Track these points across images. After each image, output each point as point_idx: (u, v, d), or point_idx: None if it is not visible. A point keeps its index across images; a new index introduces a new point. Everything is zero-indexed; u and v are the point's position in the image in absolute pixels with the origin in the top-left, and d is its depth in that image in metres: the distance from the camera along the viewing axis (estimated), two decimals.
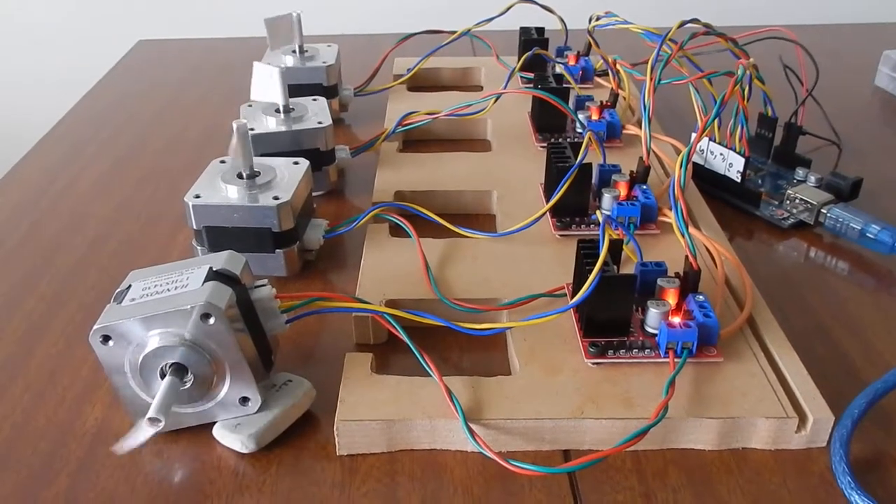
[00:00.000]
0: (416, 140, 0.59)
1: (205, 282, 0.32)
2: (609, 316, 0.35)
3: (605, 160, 0.48)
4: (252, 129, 0.48)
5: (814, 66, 0.54)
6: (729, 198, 0.51)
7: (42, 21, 1.29)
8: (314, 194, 0.47)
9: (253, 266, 0.35)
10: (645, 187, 0.45)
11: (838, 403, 0.33)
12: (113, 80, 0.78)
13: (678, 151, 0.52)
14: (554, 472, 0.31)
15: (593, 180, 0.46)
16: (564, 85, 0.56)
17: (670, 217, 0.42)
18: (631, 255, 0.40)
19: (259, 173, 0.42)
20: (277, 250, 0.42)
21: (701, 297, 0.36)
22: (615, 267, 0.36)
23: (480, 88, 0.69)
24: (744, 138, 0.48)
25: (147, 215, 0.52)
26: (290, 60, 0.60)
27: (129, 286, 0.33)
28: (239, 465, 0.33)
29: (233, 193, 0.41)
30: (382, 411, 0.33)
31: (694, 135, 0.42)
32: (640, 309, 0.37)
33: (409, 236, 0.44)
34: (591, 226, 0.45)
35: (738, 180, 0.49)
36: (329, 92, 0.60)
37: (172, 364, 0.31)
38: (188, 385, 0.32)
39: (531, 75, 0.59)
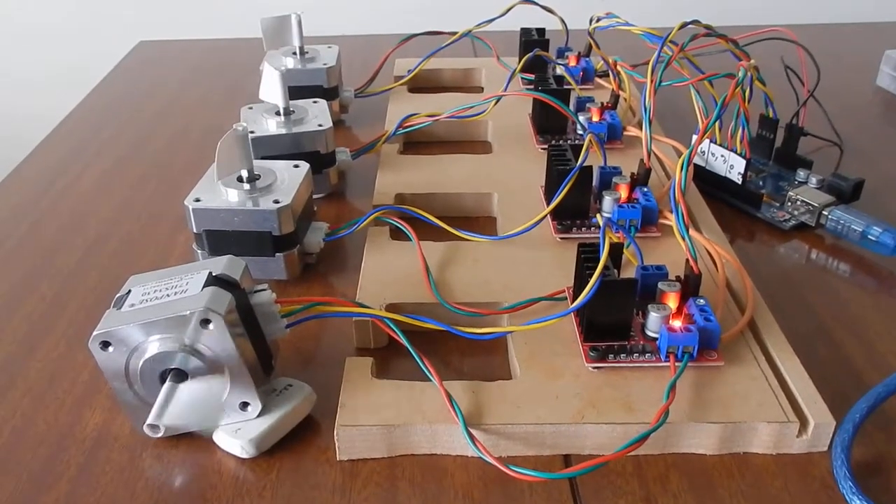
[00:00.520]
0: (417, 142, 0.59)
1: (204, 287, 0.32)
2: (610, 320, 0.35)
3: (605, 162, 0.48)
4: (252, 132, 0.48)
5: (815, 66, 0.54)
6: (730, 199, 0.51)
7: (42, 22, 1.28)
8: (314, 197, 0.47)
9: (253, 269, 0.35)
10: (646, 189, 0.45)
11: (840, 407, 0.33)
12: (114, 81, 0.78)
13: (679, 153, 0.52)
14: (555, 477, 0.31)
15: (594, 182, 0.46)
16: (565, 86, 0.56)
17: (671, 220, 0.42)
18: (631, 258, 0.40)
19: (259, 176, 0.42)
20: (278, 254, 0.42)
21: (702, 300, 0.36)
22: (616, 271, 0.36)
23: (481, 89, 0.69)
24: (745, 140, 0.48)
25: (147, 216, 0.52)
26: (290, 62, 0.60)
27: (129, 291, 0.33)
28: (239, 470, 0.32)
29: (233, 197, 0.41)
30: (383, 416, 0.33)
31: (695, 137, 0.42)
32: (640, 313, 0.36)
33: (410, 240, 0.44)
34: (592, 228, 0.45)
35: (739, 182, 0.49)
36: (329, 94, 0.60)
37: (172, 369, 0.31)
38: None
39: (532, 76, 0.59)
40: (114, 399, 0.36)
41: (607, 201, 0.45)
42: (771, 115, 0.53)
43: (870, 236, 0.45)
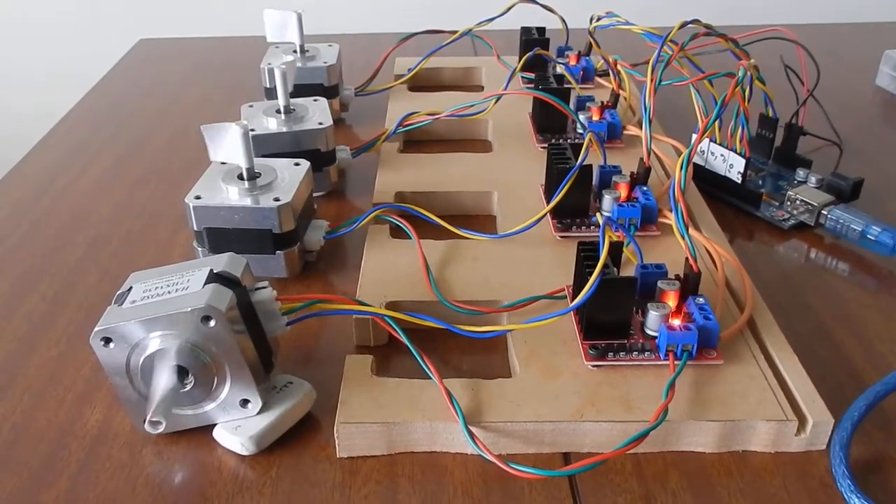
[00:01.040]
0: (417, 140, 0.59)
1: (205, 284, 0.32)
2: (609, 318, 0.35)
3: (605, 161, 0.48)
4: (253, 130, 0.48)
5: (815, 66, 0.54)
6: (729, 199, 0.51)
7: (42, 20, 1.29)
8: (315, 195, 0.47)
9: (253, 267, 0.35)
10: (645, 188, 0.45)
11: (839, 405, 0.33)
12: (114, 80, 0.78)
13: (679, 152, 0.52)
14: (554, 475, 0.31)
15: (594, 181, 0.46)
16: (565, 85, 0.56)
17: (671, 218, 0.42)
18: (631, 256, 0.40)
19: (260, 174, 0.42)
20: (278, 252, 0.42)
21: (701, 299, 0.36)
22: (615, 269, 0.36)
23: (481, 88, 0.69)
24: (744, 139, 0.48)
25: (148, 215, 0.52)
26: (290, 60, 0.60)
27: (130, 288, 0.33)
28: (239, 467, 0.33)
29: (233, 195, 0.41)
30: (382, 413, 0.33)
31: (694, 136, 0.42)
32: (640, 311, 0.37)
33: (410, 238, 0.44)
34: (592, 227, 0.45)
35: (739, 181, 0.49)
36: (330, 92, 0.60)
37: (173, 366, 0.31)
38: (189, 387, 0.32)
39: (532, 75, 0.59)
40: (114, 396, 0.36)
41: (607, 200, 0.45)
42: (770, 114, 0.53)
43: (869, 236, 0.45)
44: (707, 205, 0.48)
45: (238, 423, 0.33)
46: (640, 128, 0.45)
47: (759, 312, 0.38)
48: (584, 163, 0.44)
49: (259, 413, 0.33)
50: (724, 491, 0.31)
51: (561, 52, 0.68)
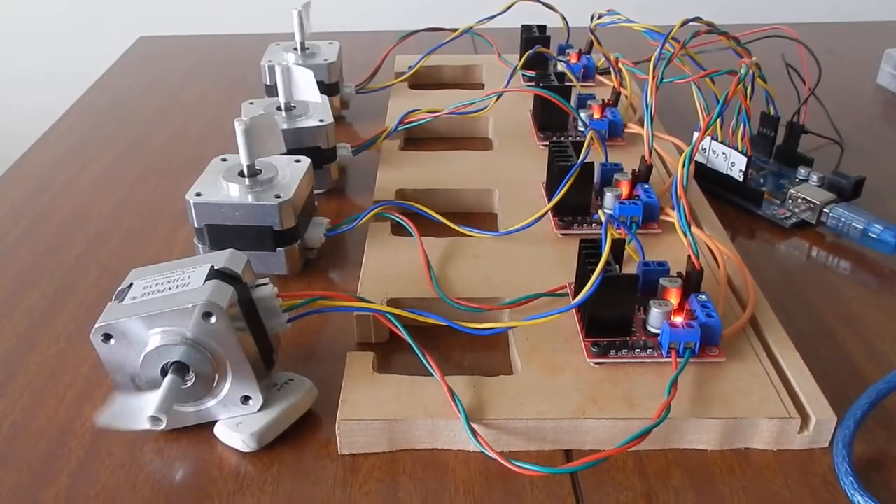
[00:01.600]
0: (418, 138, 0.59)
1: (206, 280, 0.32)
2: (611, 316, 0.35)
3: (606, 159, 0.48)
4: None
5: (816, 64, 0.54)
6: (731, 197, 0.51)
7: (42, 17, 1.28)
8: (315, 192, 0.47)
9: (254, 264, 0.35)
10: (647, 186, 0.45)
11: (841, 404, 0.33)
12: (114, 77, 0.77)
13: (680, 150, 0.52)
14: (556, 472, 0.31)
15: (595, 179, 0.46)
16: (566, 83, 0.56)
17: (672, 216, 0.42)
18: (633, 254, 0.40)
19: (260, 171, 0.42)
20: (279, 248, 0.42)
21: (703, 296, 0.36)
22: (617, 266, 0.36)
23: (482, 86, 0.69)
24: (746, 137, 0.48)
25: (148, 212, 0.52)
26: (291, 57, 0.60)
27: (131, 284, 0.33)
28: (240, 464, 0.32)
29: (234, 191, 0.41)
30: (384, 411, 0.33)
31: (696, 134, 0.42)
32: (642, 309, 0.36)
33: (411, 235, 0.43)
34: (593, 225, 0.45)
35: (741, 179, 0.49)
36: (330, 89, 0.59)
37: (174, 363, 0.31)
38: (189, 384, 0.32)
39: (533, 73, 0.58)
40: (114, 393, 0.36)
41: (608, 197, 0.45)
42: (772, 112, 0.53)
43: (871, 234, 0.45)
44: (709, 203, 0.48)
45: (239, 419, 0.33)
46: (641, 126, 0.45)
47: (761, 310, 0.38)
48: (586, 160, 0.44)
49: (260, 410, 0.33)
50: (727, 489, 0.31)
51: (562, 51, 0.68)
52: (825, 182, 0.50)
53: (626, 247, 0.39)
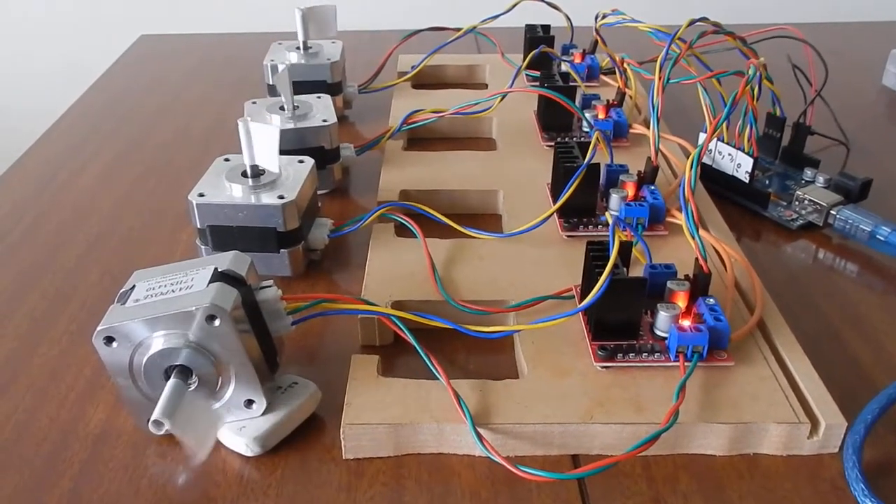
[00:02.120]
0: (421, 138, 0.58)
1: (210, 283, 0.31)
2: (618, 319, 0.35)
3: (612, 160, 0.48)
4: None
5: (823, 65, 0.53)
6: (737, 198, 0.50)
7: (42, 16, 1.28)
8: (319, 193, 0.46)
9: (257, 266, 0.35)
10: (653, 188, 0.45)
11: (850, 408, 0.33)
12: (115, 76, 0.77)
13: (685, 151, 0.52)
14: (563, 478, 0.30)
15: (601, 180, 0.46)
16: (571, 83, 0.56)
17: (679, 218, 0.41)
18: (640, 256, 0.40)
19: (264, 172, 0.42)
20: (282, 250, 0.41)
21: (711, 300, 0.35)
22: (625, 269, 0.35)
23: (485, 86, 0.69)
24: (752, 138, 0.48)
25: (150, 212, 0.51)
26: (293, 57, 0.60)
27: (133, 286, 0.32)
28: (244, 469, 0.32)
29: (237, 192, 0.41)
30: (389, 414, 0.32)
31: (703, 135, 0.41)
32: (649, 312, 0.36)
33: (415, 236, 0.43)
34: (599, 227, 0.44)
35: (747, 181, 0.49)
36: (333, 89, 0.59)
37: (177, 366, 0.31)
38: (193, 387, 0.31)
39: (537, 73, 0.58)
40: (117, 395, 0.35)
41: (614, 199, 0.44)
42: (778, 113, 0.53)
43: (878, 236, 0.45)
44: (714, 204, 0.47)
45: (243, 423, 0.33)
46: (647, 126, 0.45)
47: (768, 313, 0.38)
48: (591, 161, 0.43)
49: (264, 414, 0.33)
50: (735, 494, 0.31)
51: (565, 51, 0.67)
52: (832, 184, 0.49)
53: (633, 249, 0.38)
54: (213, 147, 0.59)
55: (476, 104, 0.54)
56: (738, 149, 0.49)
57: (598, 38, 0.61)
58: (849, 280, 0.44)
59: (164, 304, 0.31)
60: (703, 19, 0.47)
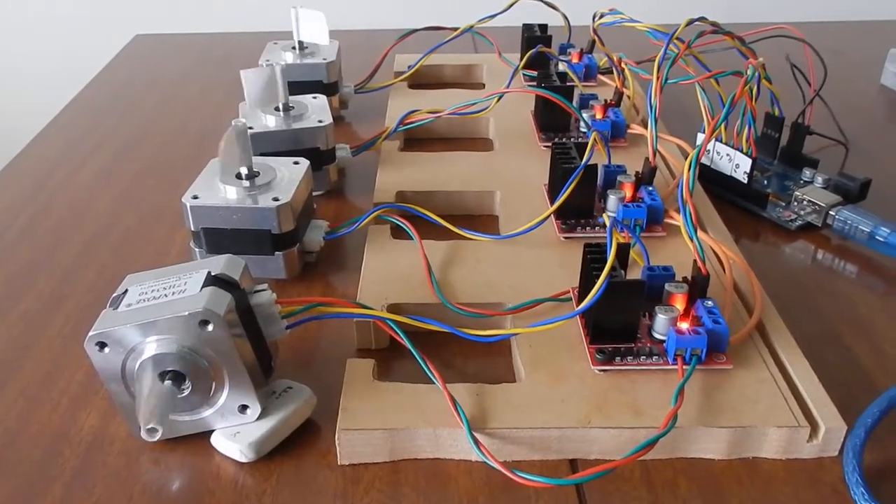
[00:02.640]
0: (418, 139, 0.58)
1: (203, 287, 0.31)
2: (616, 322, 0.35)
3: (610, 161, 0.48)
4: (251, 128, 0.47)
5: (822, 64, 0.53)
6: (735, 199, 0.50)
7: (39, 15, 1.27)
8: (314, 194, 0.46)
9: (252, 268, 0.35)
10: (651, 189, 0.44)
11: (850, 411, 0.32)
12: (110, 75, 0.77)
13: (683, 151, 0.52)
14: (561, 483, 0.30)
15: (599, 181, 0.45)
16: (568, 83, 0.55)
17: (677, 219, 0.41)
18: (637, 258, 0.40)
19: (258, 173, 0.42)
20: (277, 252, 0.41)
21: (710, 302, 0.35)
22: (623, 272, 0.35)
23: (482, 86, 0.68)
24: (751, 139, 0.48)
25: (145, 212, 0.51)
26: (289, 57, 0.59)
27: (126, 291, 0.32)
28: (238, 475, 0.32)
29: (231, 194, 0.41)
30: (385, 420, 0.32)
31: (701, 135, 0.41)
32: (647, 315, 0.36)
33: (411, 238, 0.43)
34: (597, 228, 0.44)
35: (745, 181, 0.49)
36: (329, 89, 0.59)
37: (170, 371, 0.30)
38: (186, 392, 0.31)
39: (534, 73, 0.58)
40: (110, 401, 0.35)
41: (612, 200, 0.44)
42: (777, 113, 0.53)
43: (877, 237, 0.45)
44: (712, 205, 0.47)
45: (237, 429, 0.32)
46: (644, 127, 0.44)
47: (767, 316, 0.38)
48: (589, 162, 0.43)
49: (258, 419, 0.32)
50: (735, 499, 0.31)
51: (563, 50, 0.67)
52: (831, 184, 0.49)
53: (631, 251, 0.38)
54: (208, 146, 0.58)
55: (473, 104, 0.54)
56: (737, 149, 0.48)
57: (596, 38, 0.60)
58: (848, 281, 0.44)
59: (156, 308, 0.30)
60: (702, 19, 0.47)
